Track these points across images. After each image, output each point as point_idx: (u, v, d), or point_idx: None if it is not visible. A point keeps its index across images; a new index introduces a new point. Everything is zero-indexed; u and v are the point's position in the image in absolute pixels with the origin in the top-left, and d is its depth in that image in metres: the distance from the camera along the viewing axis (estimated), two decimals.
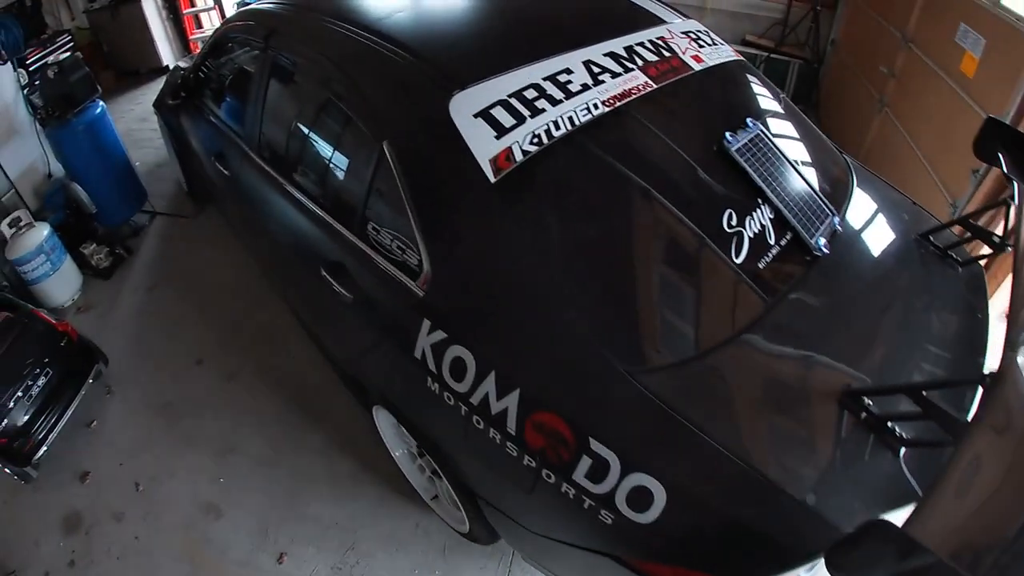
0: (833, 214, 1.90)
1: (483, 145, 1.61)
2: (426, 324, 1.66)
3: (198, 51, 4.24)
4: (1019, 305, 1.29)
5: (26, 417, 2.57)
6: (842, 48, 4.95)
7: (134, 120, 5.39)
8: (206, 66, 3.16)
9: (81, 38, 5.33)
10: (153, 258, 3.91)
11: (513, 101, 1.70)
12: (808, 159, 2.07)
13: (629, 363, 1.42)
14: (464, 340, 1.59)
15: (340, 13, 2.22)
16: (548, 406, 1.45)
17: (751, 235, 1.70)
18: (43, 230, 3.30)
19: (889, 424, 1.35)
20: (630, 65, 1.91)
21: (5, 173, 3.39)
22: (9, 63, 3.45)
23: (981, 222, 1.99)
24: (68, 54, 3.82)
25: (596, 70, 1.85)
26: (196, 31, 6.35)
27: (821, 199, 1.91)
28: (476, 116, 1.66)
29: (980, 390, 1.22)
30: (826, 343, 1.59)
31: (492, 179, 1.57)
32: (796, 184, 1.89)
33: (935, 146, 3.42)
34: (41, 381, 2.65)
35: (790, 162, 1.93)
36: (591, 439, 1.38)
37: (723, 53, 2.21)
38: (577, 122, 1.69)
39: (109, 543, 2.42)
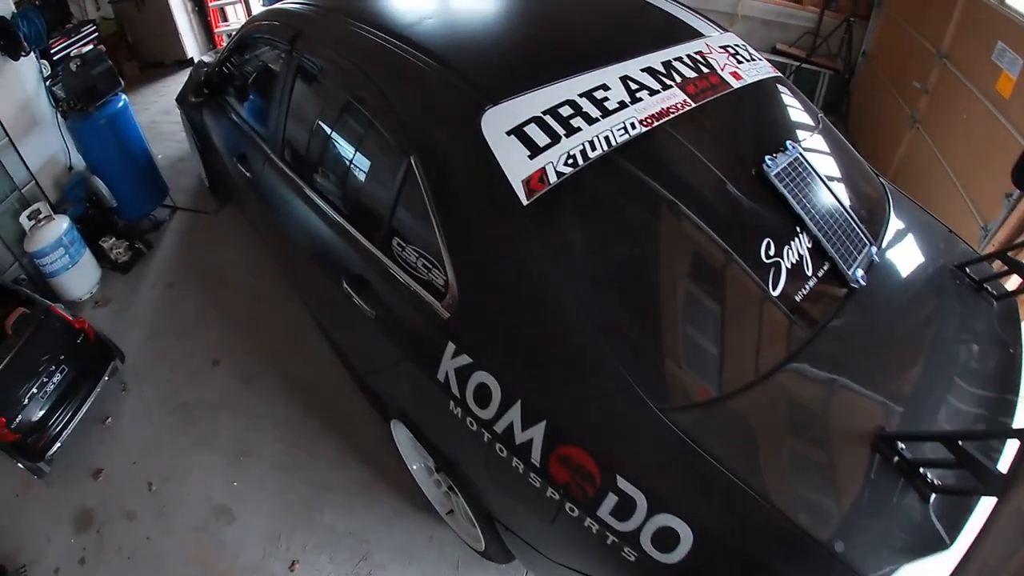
0: (870, 243, 1.85)
1: (516, 165, 1.55)
2: (450, 347, 1.61)
3: (222, 47, 4.22)
4: None
5: (41, 413, 2.57)
6: (874, 60, 4.86)
7: (157, 112, 5.38)
8: (230, 63, 3.13)
9: (106, 28, 5.34)
10: (173, 254, 3.89)
11: (547, 118, 1.63)
12: (846, 184, 2.00)
13: (661, 400, 1.37)
14: (490, 366, 1.54)
15: (368, 17, 2.17)
16: (575, 441, 1.40)
17: (788, 266, 1.65)
18: (62, 223, 3.29)
19: (920, 470, 1.32)
20: (668, 82, 1.85)
21: (26, 164, 3.38)
22: (32, 54, 3.44)
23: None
24: (91, 46, 3.79)
25: (633, 87, 1.79)
26: (221, 24, 6.34)
27: (859, 227, 1.85)
28: (509, 133, 1.59)
29: (1017, 443, 1.19)
30: (859, 381, 1.55)
31: (524, 201, 1.51)
32: (834, 211, 1.83)
33: (967, 166, 3.35)
34: (56, 378, 2.64)
35: (829, 188, 1.87)
36: (619, 477, 1.34)
37: (761, 69, 2.15)
38: (614, 143, 1.63)
39: (120, 542, 2.41)
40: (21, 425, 2.49)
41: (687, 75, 1.91)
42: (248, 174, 2.77)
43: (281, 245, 2.88)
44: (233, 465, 2.65)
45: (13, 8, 3.30)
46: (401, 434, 2.28)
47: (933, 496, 1.31)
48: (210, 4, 6.27)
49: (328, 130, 2.24)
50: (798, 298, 1.63)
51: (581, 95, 1.72)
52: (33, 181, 3.44)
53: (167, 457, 2.69)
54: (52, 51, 3.75)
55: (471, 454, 1.67)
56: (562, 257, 1.52)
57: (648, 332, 1.50)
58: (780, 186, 1.74)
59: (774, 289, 1.60)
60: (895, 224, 2.04)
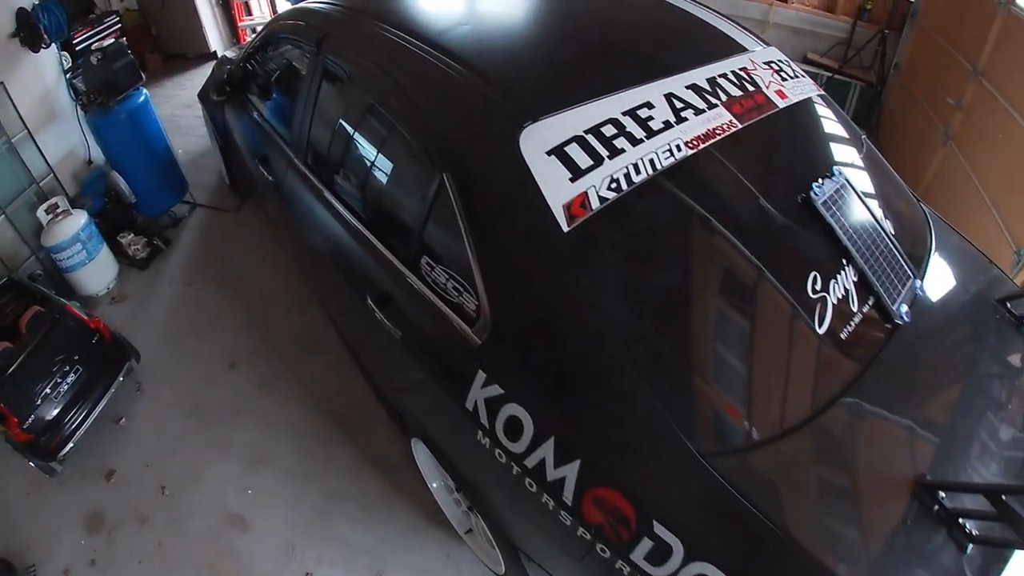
0: (914, 276, 1.78)
1: (556, 188, 1.46)
2: (481, 376, 1.55)
3: (245, 43, 4.17)
4: None
5: (54, 413, 2.54)
6: (905, 73, 4.75)
7: (179, 105, 5.34)
8: (254, 61, 3.07)
9: (129, 20, 5.31)
10: (191, 251, 3.84)
11: (590, 138, 1.55)
12: (890, 212, 1.92)
13: (703, 445, 1.32)
14: (522, 399, 1.47)
15: (399, 22, 2.10)
16: (611, 483, 1.35)
17: (834, 301, 1.58)
18: (80, 218, 3.25)
19: (960, 520, 1.30)
20: (713, 101, 1.77)
21: (45, 157, 3.35)
22: (53, 46, 3.40)
23: None
24: (114, 38, 3.76)
25: (679, 105, 1.71)
26: (245, 18, 6.28)
27: (903, 259, 1.78)
28: (549, 153, 1.51)
29: None
30: (901, 425, 1.51)
31: (565, 228, 1.43)
32: (879, 242, 1.75)
33: (1002, 188, 3.26)
34: (70, 378, 2.61)
35: (874, 217, 1.79)
36: (655, 522, 1.29)
37: (805, 87, 2.07)
38: (659, 166, 1.55)
39: (131, 546, 2.39)
40: (34, 425, 2.46)
41: (732, 93, 1.83)
42: (270, 177, 2.72)
43: (302, 251, 2.82)
44: (248, 472, 2.61)
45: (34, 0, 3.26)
46: (422, 453, 2.22)
47: (970, 547, 1.28)
48: None
49: (355, 139, 2.17)
50: (843, 336, 1.57)
51: (624, 113, 1.64)
52: (52, 174, 3.41)
53: (181, 461, 2.66)
54: (75, 41, 3.72)
55: (498, 485, 1.62)
56: (603, 289, 1.45)
57: (691, 372, 1.44)
58: (828, 216, 1.66)
59: (820, 327, 1.53)
60: (937, 254, 1.97)
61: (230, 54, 4.10)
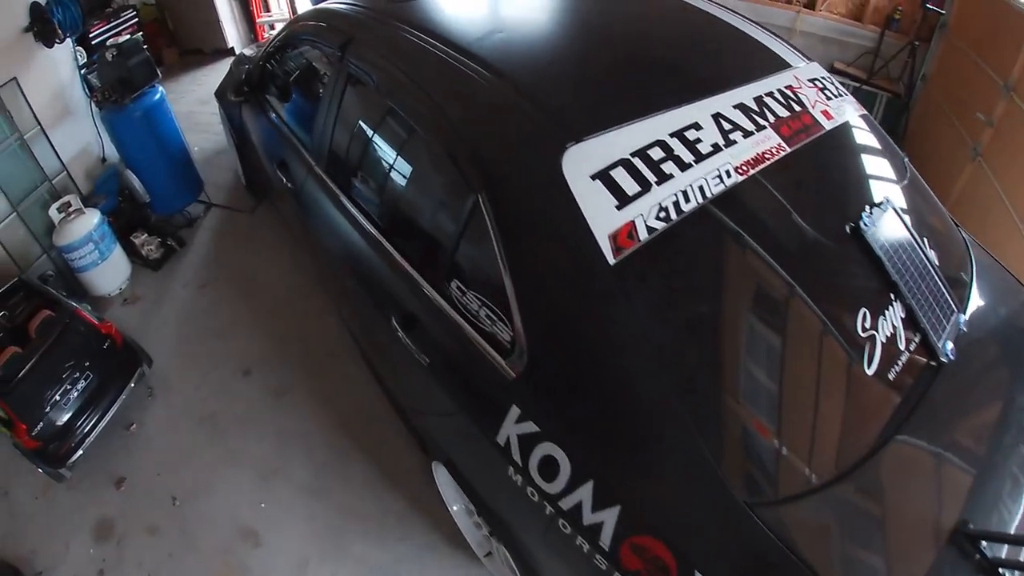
0: (958, 311, 1.71)
1: (602, 216, 1.38)
2: (515, 411, 1.47)
3: (264, 42, 4.10)
4: None
5: (64, 420, 2.50)
6: (933, 85, 4.65)
7: (195, 102, 5.27)
8: (273, 61, 2.99)
9: (146, 14, 5.30)
10: (206, 253, 3.78)
11: (637, 162, 1.47)
12: (934, 243, 1.82)
13: (749, 494, 1.26)
14: (559, 439, 1.40)
15: (429, 28, 2.02)
16: (653, 531, 1.28)
17: (883, 339, 1.51)
18: (93, 217, 3.19)
19: (1000, 570, 1.28)
20: (762, 122, 1.69)
21: (58, 154, 3.30)
22: (68, 41, 3.33)
23: None
24: (130, 33, 3.69)
25: (727, 127, 1.62)
26: (263, 14, 6.25)
27: (948, 293, 1.71)
28: (594, 178, 1.43)
29: None
30: (942, 467, 1.47)
31: (611, 260, 1.34)
32: (926, 275, 1.68)
33: None
34: (80, 385, 2.56)
35: (921, 248, 1.71)
36: (697, 573, 1.22)
37: (849, 107, 2.00)
38: (708, 193, 1.47)
39: (141, 557, 2.33)
40: (43, 432, 2.41)
41: (780, 114, 1.75)
42: (289, 184, 2.64)
43: (321, 261, 2.74)
44: (261, 484, 2.54)
45: None
46: (443, 476, 2.14)
47: None
48: None
49: (381, 151, 2.08)
50: (890, 376, 1.50)
51: (672, 134, 1.55)
52: (64, 172, 3.37)
53: (193, 470, 2.60)
54: (91, 36, 3.66)
55: (528, 523, 1.54)
56: (649, 327, 1.36)
57: (739, 418, 1.37)
58: (877, 248, 1.59)
59: (869, 368, 1.46)
60: (978, 287, 1.89)
61: (248, 52, 4.04)
